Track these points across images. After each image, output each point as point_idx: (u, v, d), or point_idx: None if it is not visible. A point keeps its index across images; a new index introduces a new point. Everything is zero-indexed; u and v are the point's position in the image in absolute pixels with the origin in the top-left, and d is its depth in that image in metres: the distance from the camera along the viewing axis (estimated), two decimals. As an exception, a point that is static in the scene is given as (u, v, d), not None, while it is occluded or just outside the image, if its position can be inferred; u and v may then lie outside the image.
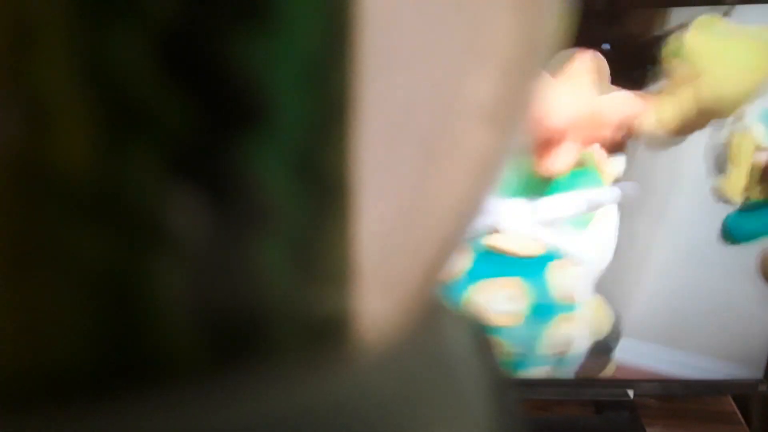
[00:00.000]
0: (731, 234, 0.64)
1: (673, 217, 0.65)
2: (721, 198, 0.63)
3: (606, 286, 0.67)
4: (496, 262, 0.64)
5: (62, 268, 0.08)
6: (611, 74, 0.59)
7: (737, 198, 0.63)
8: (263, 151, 0.08)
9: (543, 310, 0.66)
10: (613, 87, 0.59)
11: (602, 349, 0.70)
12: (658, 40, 0.58)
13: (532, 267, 0.65)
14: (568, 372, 0.70)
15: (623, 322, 0.69)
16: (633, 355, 0.70)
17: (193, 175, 0.08)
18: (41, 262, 0.08)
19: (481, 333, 0.12)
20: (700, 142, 0.61)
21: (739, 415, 0.75)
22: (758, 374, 0.69)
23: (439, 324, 0.11)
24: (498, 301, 0.66)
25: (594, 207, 0.63)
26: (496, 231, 0.63)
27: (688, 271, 0.67)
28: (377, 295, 0.10)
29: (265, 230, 0.09)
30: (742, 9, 0.57)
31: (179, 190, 0.08)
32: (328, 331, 0.09)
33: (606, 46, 0.58)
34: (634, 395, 0.72)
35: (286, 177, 0.09)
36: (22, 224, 0.08)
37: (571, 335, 0.67)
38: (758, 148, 0.60)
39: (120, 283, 0.08)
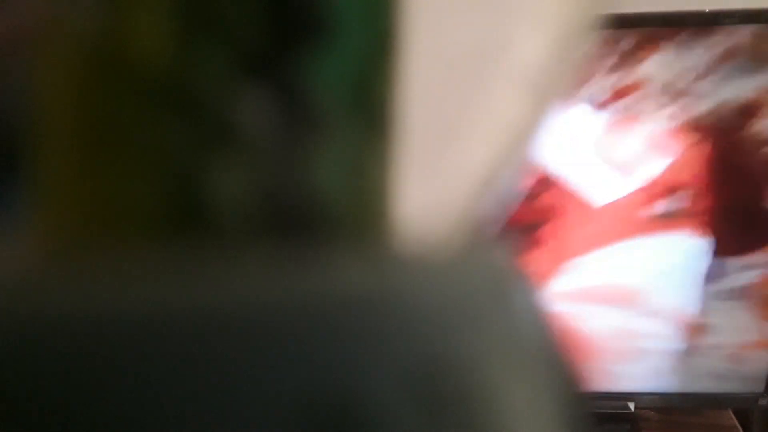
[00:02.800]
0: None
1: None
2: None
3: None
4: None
5: (135, 152, 0.09)
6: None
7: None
8: (325, 68, 0.09)
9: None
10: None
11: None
12: None
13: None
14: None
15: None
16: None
17: (261, 79, 0.09)
18: (116, 145, 0.09)
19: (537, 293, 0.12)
20: None
21: (740, 429, 0.75)
22: (759, 388, 0.69)
23: (494, 266, 0.11)
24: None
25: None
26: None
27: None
28: (420, 209, 0.11)
29: (321, 139, 0.09)
30: None
31: (247, 91, 0.09)
32: (374, 227, 0.10)
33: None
34: (635, 408, 0.72)
35: (343, 95, 0.09)
36: (99, 107, 0.09)
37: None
38: None
39: (187, 171, 0.09)
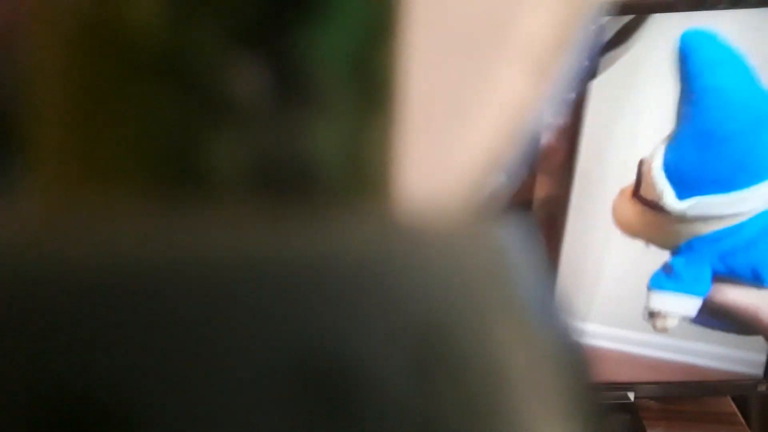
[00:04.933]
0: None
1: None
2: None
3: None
4: None
5: (130, 119, 0.09)
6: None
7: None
8: (321, 39, 0.09)
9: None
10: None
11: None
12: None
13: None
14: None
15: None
16: (632, 344, 0.70)
17: (257, 50, 0.09)
18: (111, 112, 0.09)
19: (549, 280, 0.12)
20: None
21: (739, 416, 0.75)
22: (757, 374, 0.70)
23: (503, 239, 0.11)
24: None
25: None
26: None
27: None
28: (425, 180, 0.11)
29: (318, 110, 0.09)
30: None
31: (242, 62, 0.09)
32: (373, 195, 0.10)
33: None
34: (635, 398, 0.73)
35: (340, 67, 0.10)
36: (94, 76, 0.09)
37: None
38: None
39: (182, 138, 0.09)
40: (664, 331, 0.69)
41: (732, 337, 0.69)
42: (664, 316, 0.68)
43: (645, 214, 0.64)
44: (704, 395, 0.75)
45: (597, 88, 0.61)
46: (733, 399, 0.77)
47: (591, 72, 0.60)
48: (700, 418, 0.75)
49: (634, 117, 0.62)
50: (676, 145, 0.62)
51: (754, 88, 0.60)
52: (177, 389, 0.07)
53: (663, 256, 0.66)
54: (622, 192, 0.65)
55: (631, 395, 0.73)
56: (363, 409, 0.08)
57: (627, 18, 0.59)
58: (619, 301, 0.68)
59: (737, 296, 0.66)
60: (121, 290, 0.08)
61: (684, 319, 0.68)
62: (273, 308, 0.08)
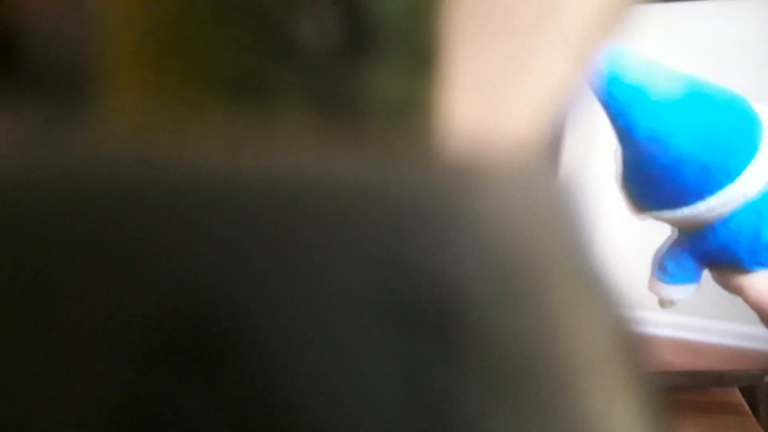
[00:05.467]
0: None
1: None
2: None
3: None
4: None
5: (201, 63, 0.09)
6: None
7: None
8: None
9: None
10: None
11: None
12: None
13: None
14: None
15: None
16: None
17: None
18: (182, 56, 0.09)
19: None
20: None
21: (746, 406, 0.75)
22: (764, 365, 0.70)
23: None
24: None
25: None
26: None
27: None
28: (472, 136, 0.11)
29: (377, 60, 0.10)
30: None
31: (312, 7, 0.09)
32: (422, 138, 0.10)
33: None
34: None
35: (399, 23, 0.10)
36: (169, 12, 0.09)
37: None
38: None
39: (250, 74, 0.09)
40: (670, 306, 0.69)
41: (738, 312, 0.69)
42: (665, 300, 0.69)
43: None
44: (710, 385, 0.75)
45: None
46: (740, 389, 0.77)
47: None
48: (706, 409, 0.75)
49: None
50: (625, 169, 0.61)
51: (681, 100, 0.58)
52: (277, 305, 0.07)
53: (659, 235, 0.66)
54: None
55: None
56: (464, 337, 0.08)
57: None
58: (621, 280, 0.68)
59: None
60: (203, 205, 0.08)
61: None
62: (352, 228, 0.08)
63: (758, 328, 0.69)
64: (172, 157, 0.08)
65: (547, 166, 0.12)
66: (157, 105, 0.10)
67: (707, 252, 0.65)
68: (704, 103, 0.59)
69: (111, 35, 0.10)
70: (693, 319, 0.70)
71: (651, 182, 0.60)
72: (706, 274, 0.67)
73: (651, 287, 0.67)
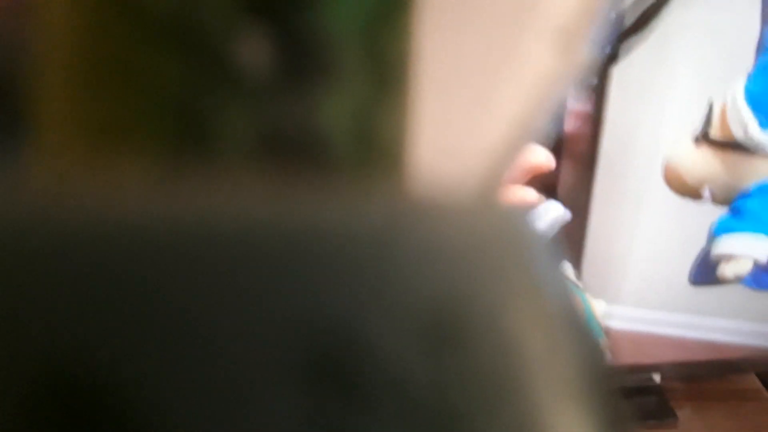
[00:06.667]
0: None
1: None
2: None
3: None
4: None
5: (137, 82, 0.09)
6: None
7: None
8: (335, 11, 0.09)
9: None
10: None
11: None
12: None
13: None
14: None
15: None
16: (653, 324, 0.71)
17: (268, 19, 0.09)
18: (118, 75, 0.09)
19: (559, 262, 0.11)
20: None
21: (765, 392, 0.76)
22: None
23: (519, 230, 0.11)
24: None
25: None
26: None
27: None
28: (442, 156, 0.11)
29: (326, 82, 0.09)
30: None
31: (251, 30, 0.09)
32: (385, 169, 0.10)
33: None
34: (661, 379, 0.73)
35: (354, 44, 0.09)
36: (101, 40, 0.09)
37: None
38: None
39: (188, 104, 0.09)
40: (736, 280, 0.68)
41: (755, 312, 0.70)
42: (737, 260, 0.67)
43: (715, 158, 0.64)
44: (728, 373, 0.76)
45: (619, 73, 0.62)
46: (757, 375, 0.77)
47: (612, 57, 0.60)
48: (725, 397, 0.75)
49: (659, 102, 0.62)
50: (756, 74, 0.61)
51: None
52: (181, 371, 0.07)
53: (692, 236, 0.67)
54: (676, 147, 0.64)
55: (657, 377, 0.73)
56: (374, 387, 0.08)
57: (648, 2, 0.60)
58: (650, 282, 0.69)
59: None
60: (125, 259, 0.07)
61: (755, 265, 0.67)
62: (279, 282, 0.08)
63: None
64: (101, 200, 0.08)
65: (501, 198, 0.11)
66: (89, 138, 0.09)
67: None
68: None
69: (41, 62, 0.09)
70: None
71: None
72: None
73: (718, 249, 0.66)
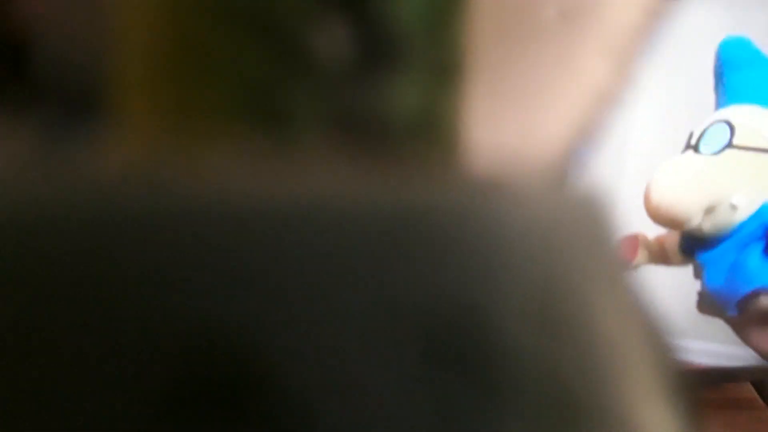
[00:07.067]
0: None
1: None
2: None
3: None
4: None
5: (219, 72, 0.09)
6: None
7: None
8: (405, 5, 0.10)
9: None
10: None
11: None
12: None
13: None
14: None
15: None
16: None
17: (341, 9, 0.09)
18: (201, 66, 0.09)
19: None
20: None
21: (760, 401, 0.75)
22: None
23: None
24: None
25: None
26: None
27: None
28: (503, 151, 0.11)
29: (398, 74, 0.10)
30: None
31: (327, 19, 0.09)
32: (446, 151, 0.10)
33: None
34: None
35: (420, 34, 0.10)
36: (183, 30, 0.09)
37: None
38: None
39: (264, 89, 0.09)
40: None
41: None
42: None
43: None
44: (723, 382, 0.75)
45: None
46: (753, 384, 0.76)
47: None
48: (721, 405, 0.74)
49: (652, 112, 0.62)
50: None
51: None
52: (313, 346, 0.07)
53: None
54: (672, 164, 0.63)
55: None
56: (494, 367, 0.07)
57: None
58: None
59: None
60: (218, 234, 0.07)
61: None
62: (392, 262, 0.08)
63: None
64: (186, 180, 0.08)
65: (575, 181, 0.12)
66: (170, 123, 0.09)
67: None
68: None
69: (121, 50, 0.09)
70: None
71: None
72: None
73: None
